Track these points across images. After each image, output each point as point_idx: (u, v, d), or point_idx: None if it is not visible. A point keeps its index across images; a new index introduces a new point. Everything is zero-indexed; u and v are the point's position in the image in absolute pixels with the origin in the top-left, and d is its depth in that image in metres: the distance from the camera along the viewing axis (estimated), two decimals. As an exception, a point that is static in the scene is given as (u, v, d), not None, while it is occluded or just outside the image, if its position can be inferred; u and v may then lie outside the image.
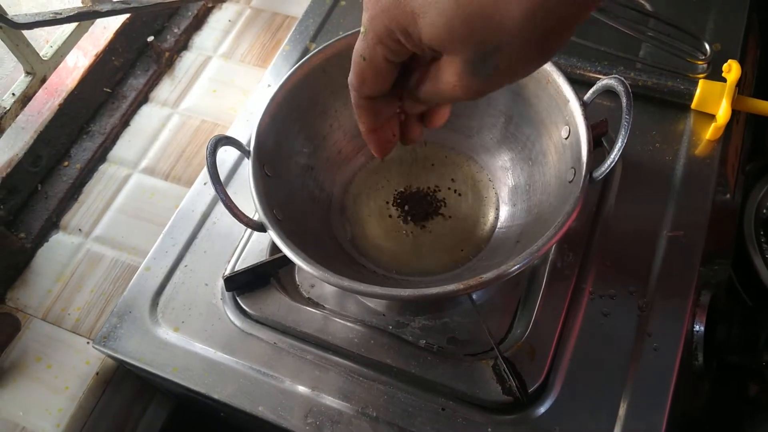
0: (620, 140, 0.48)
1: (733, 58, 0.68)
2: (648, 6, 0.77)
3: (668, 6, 0.77)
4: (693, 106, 0.69)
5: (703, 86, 0.68)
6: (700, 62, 0.71)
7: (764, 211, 0.85)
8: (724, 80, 0.67)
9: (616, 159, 0.49)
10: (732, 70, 0.66)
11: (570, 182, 0.53)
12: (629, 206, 0.64)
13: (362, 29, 0.37)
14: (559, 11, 0.31)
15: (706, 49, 0.71)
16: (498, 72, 0.34)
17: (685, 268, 0.61)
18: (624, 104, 0.50)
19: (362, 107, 0.42)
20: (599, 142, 0.65)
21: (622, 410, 0.54)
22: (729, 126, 0.68)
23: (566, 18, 0.31)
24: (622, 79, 0.50)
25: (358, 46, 0.38)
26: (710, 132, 0.67)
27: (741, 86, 0.71)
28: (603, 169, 0.50)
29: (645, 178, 0.66)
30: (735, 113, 0.69)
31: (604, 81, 0.52)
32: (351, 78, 0.40)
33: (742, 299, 0.83)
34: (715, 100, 0.67)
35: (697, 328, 0.59)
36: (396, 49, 0.37)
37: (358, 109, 0.42)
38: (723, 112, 0.66)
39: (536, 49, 0.32)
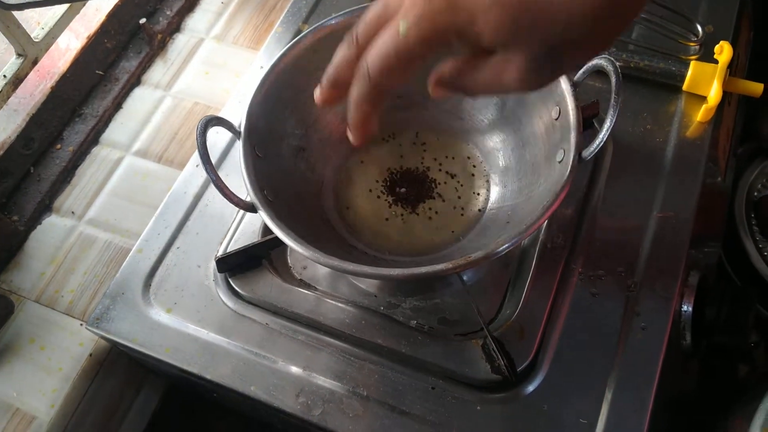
0: (609, 120, 0.49)
1: (725, 39, 0.68)
2: (641, -13, 0.77)
3: (661, -13, 0.77)
4: (684, 87, 0.69)
5: (694, 68, 0.68)
6: (692, 44, 0.71)
7: (755, 193, 0.86)
8: (716, 62, 0.67)
9: (605, 138, 0.49)
10: (723, 51, 0.66)
11: (560, 162, 0.53)
12: (620, 187, 0.65)
13: (401, 29, 0.34)
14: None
15: (698, 31, 0.71)
16: (561, 66, 0.34)
17: (675, 248, 0.61)
18: (613, 84, 0.50)
19: (370, 100, 0.39)
20: (590, 123, 0.65)
21: (609, 388, 0.55)
22: (720, 108, 0.68)
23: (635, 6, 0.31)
24: (612, 59, 0.50)
25: (391, 42, 0.35)
26: (701, 113, 0.67)
27: (733, 68, 0.71)
28: (592, 148, 0.50)
29: (636, 159, 0.66)
30: (726, 95, 0.69)
31: (594, 61, 0.52)
32: (374, 70, 0.36)
33: (733, 280, 0.84)
34: (707, 82, 0.67)
35: (685, 308, 0.59)
36: (440, 48, 0.35)
37: (365, 102, 0.39)
38: (714, 94, 0.66)
39: (601, 40, 0.33)
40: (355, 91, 0.39)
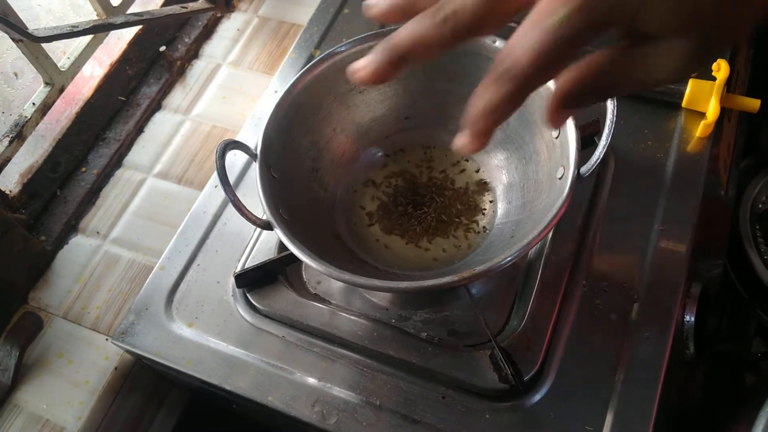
0: (605, 138, 0.51)
1: (722, 57, 0.70)
2: (641, 8, 0.79)
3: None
4: (683, 104, 0.71)
5: (692, 85, 0.70)
6: (691, 62, 0.73)
7: (759, 206, 0.87)
8: (714, 79, 0.69)
9: (601, 156, 0.51)
10: (721, 69, 0.69)
11: (560, 179, 0.55)
12: (622, 202, 0.67)
13: (560, 18, 0.30)
14: None
15: (696, 50, 0.73)
16: (713, 54, 0.31)
17: (676, 260, 0.63)
18: (608, 104, 0.52)
19: (516, 97, 0.33)
20: (591, 141, 0.68)
21: (614, 397, 0.57)
22: (720, 123, 0.70)
23: None
24: (608, 80, 0.53)
25: (553, 28, 0.30)
26: (700, 129, 0.69)
27: (732, 85, 0.73)
28: (589, 165, 0.52)
29: (637, 174, 0.68)
30: (725, 111, 0.71)
31: (591, 83, 0.54)
32: (524, 61, 0.31)
33: (739, 292, 0.85)
34: (705, 99, 0.70)
35: (688, 318, 0.61)
36: (594, 35, 0.31)
37: (510, 99, 0.32)
38: (712, 110, 0.68)
39: (745, 31, 0.31)
40: (491, 94, 0.32)
